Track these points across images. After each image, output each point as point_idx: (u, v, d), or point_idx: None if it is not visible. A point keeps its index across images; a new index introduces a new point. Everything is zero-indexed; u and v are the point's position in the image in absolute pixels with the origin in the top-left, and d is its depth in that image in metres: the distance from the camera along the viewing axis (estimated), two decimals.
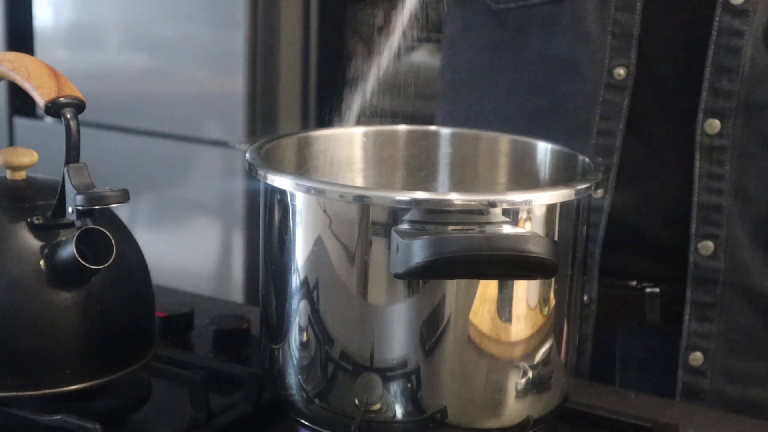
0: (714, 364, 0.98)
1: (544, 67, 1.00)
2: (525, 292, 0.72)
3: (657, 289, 0.99)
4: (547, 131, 0.90)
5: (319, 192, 0.71)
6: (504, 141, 0.90)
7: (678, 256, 0.98)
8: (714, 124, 0.94)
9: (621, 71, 0.96)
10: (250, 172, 0.75)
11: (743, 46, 0.92)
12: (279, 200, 0.74)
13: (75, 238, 0.72)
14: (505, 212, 0.68)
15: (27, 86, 0.76)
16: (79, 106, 0.75)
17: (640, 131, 0.97)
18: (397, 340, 0.71)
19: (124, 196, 0.73)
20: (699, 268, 0.97)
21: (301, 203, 0.72)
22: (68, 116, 0.74)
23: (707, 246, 0.96)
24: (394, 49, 0.95)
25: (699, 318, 0.98)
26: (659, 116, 0.98)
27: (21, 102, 2.58)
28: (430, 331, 0.70)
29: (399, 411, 0.72)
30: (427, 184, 0.91)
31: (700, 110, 0.94)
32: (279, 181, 0.72)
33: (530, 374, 0.73)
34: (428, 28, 1.02)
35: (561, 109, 0.99)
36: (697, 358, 0.98)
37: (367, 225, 0.69)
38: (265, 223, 0.76)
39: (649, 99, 0.97)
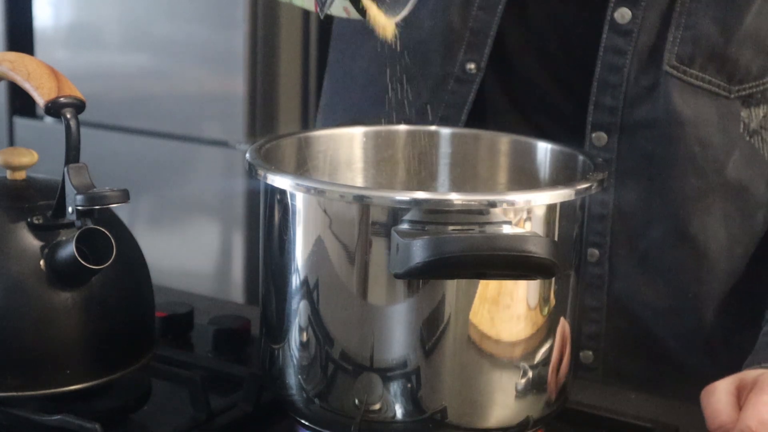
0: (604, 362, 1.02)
1: (410, 45, 1.03)
2: (525, 292, 0.72)
3: None
4: (397, 102, 0.96)
5: (319, 192, 0.71)
6: (504, 141, 0.90)
7: None
8: (601, 138, 0.97)
9: (472, 66, 1.00)
10: (250, 172, 0.75)
11: (626, 65, 0.95)
12: (279, 200, 0.74)
13: (75, 238, 0.72)
14: (505, 212, 0.68)
15: (27, 86, 0.76)
16: (79, 106, 0.75)
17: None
18: (397, 340, 0.71)
19: (124, 196, 0.73)
20: (585, 273, 0.99)
21: (301, 203, 0.72)
22: (68, 116, 0.74)
23: (593, 253, 0.99)
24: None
25: (586, 321, 1.01)
26: (549, 122, 1.01)
27: (21, 102, 2.57)
28: (430, 331, 0.70)
29: (399, 411, 0.72)
30: (427, 184, 0.90)
31: (588, 122, 0.98)
32: (279, 181, 0.72)
33: (530, 374, 0.73)
34: None
35: (413, 86, 1.02)
36: (588, 356, 1.02)
37: (367, 225, 0.69)
38: (265, 223, 0.76)
39: (536, 103, 1.02)
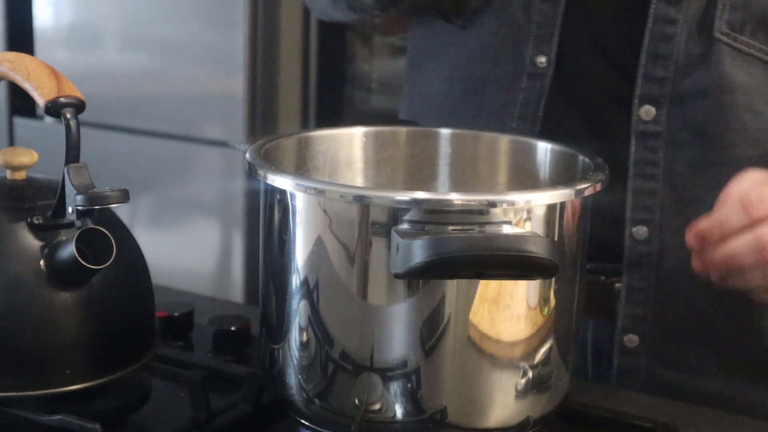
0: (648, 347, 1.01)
1: (478, 52, 1.04)
2: (525, 292, 0.72)
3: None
4: (472, 111, 0.98)
5: (319, 192, 0.71)
6: (504, 141, 0.90)
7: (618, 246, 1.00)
8: (649, 111, 0.96)
9: (542, 59, 0.99)
10: (250, 172, 0.75)
11: (677, 33, 0.94)
12: (279, 200, 0.74)
13: (75, 238, 0.72)
14: (505, 212, 0.68)
15: (27, 86, 0.76)
16: (79, 106, 0.75)
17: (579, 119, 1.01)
18: (397, 340, 0.71)
19: (124, 196, 0.73)
20: (633, 252, 0.99)
21: (301, 203, 0.72)
22: (68, 116, 0.74)
23: (641, 231, 0.98)
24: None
25: (632, 302, 0.99)
26: (598, 105, 1.01)
27: (21, 102, 2.57)
28: (430, 331, 0.70)
29: (399, 411, 0.72)
30: (427, 184, 0.91)
31: (636, 96, 0.97)
32: (279, 181, 0.72)
33: (530, 374, 0.73)
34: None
35: (487, 91, 1.03)
36: (632, 340, 1.00)
37: (367, 225, 0.69)
38: (265, 223, 0.76)
39: (585, 87, 1.00)
